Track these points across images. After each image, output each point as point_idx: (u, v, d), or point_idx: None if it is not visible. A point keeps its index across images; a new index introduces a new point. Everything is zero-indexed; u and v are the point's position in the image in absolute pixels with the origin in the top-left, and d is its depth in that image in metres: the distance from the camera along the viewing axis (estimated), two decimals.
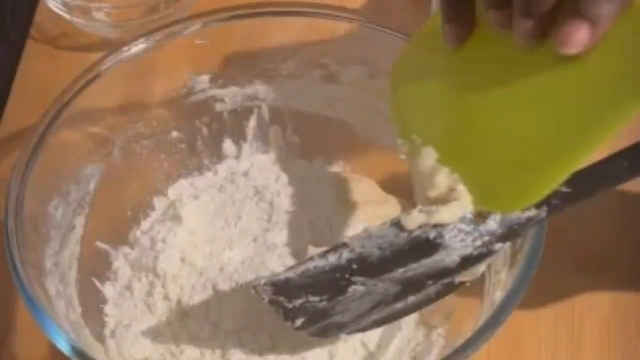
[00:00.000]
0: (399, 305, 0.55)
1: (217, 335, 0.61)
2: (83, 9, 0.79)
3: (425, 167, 0.55)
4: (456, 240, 0.53)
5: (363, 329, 0.56)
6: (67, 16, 0.79)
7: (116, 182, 0.66)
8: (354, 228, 0.65)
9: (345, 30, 0.66)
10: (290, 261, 0.63)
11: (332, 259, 0.56)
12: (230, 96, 0.69)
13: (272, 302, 0.56)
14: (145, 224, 0.68)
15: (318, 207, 0.67)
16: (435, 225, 0.53)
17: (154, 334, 0.62)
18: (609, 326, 0.66)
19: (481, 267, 0.54)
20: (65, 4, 0.79)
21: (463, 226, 0.53)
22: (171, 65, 0.67)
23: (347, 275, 0.55)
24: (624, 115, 0.46)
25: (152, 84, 0.59)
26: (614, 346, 0.65)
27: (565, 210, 0.52)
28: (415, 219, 0.54)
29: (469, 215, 0.53)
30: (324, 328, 0.56)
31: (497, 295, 0.55)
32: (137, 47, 0.64)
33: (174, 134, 0.69)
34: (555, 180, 0.49)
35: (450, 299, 0.62)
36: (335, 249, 0.56)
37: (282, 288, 0.56)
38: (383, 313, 0.55)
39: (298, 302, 0.56)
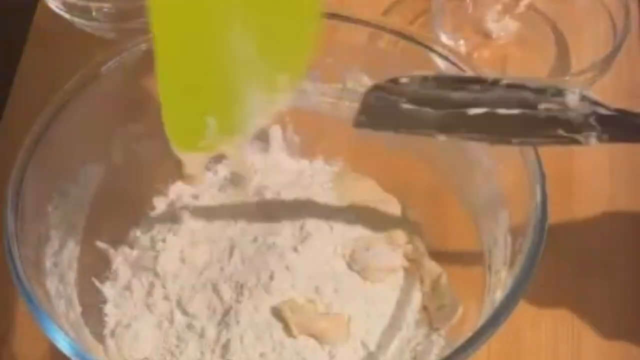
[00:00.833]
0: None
1: (218, 335, 0.61)
2: (83, 8, 0.79)
3: None
4: None
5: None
6: (67, 16, 0.79)
7: (116, 181, 0.66)
8: (354, 228, 0.65)
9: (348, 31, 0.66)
10: (291, 261, 0.63)
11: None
12: None
13: None
14: (145, 224, 0.68)
15: (318, 207, 0.67)
16: None
17: (154, 334, 0.62)
18: (609, 326, 0.66)
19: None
20: (65, 4, 0.78)
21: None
22: None
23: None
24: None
25: (152, 84, 0.59)
26: (614, 346, 0.65)
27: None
28: None
29: None
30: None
31: (497, 295, 0.55)
32: (137, 47, 0.64)
33: None
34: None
35: (450, 299, 0.62)
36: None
37: None
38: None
39: None
